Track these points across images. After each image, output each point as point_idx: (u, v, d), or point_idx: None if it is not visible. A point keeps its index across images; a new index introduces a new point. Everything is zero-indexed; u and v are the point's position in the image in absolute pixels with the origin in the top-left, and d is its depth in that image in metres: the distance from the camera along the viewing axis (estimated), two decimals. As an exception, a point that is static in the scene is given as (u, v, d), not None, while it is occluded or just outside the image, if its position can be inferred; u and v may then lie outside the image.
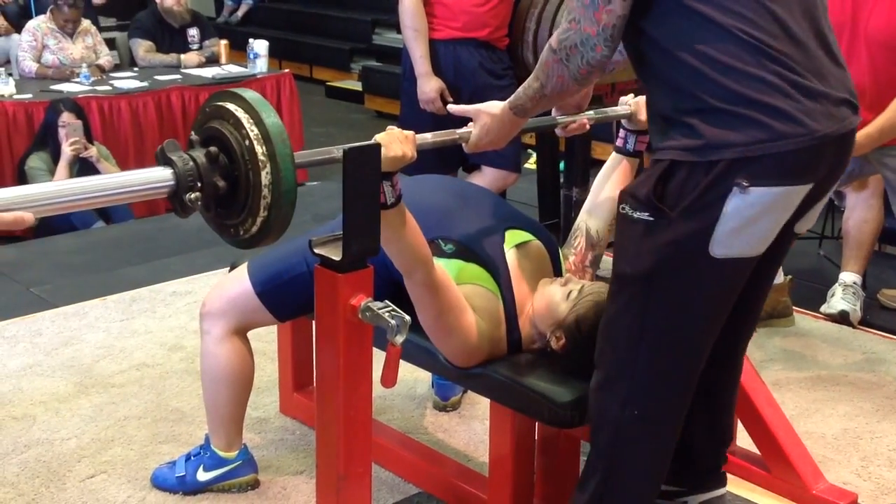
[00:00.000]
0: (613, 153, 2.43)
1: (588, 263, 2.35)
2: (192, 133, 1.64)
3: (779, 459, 2.53)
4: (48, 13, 5.98)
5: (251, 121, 1.57)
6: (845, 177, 3.34)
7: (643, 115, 2.31)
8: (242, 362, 2.42)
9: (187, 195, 1.56)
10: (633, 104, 2.36)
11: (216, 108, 1.61)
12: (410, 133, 1.88)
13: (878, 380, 3.19)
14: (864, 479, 2.68)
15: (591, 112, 2.42)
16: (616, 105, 2.43)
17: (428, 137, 1.99)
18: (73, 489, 2.55)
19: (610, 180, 2.40)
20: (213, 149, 1.58)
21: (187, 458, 2.53)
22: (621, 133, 2.41)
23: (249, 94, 1.60)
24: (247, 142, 1.56)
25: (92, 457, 2.69)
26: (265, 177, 1.56)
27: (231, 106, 1.59)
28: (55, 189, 1.52)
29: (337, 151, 1.74)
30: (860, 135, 3.02)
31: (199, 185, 1.57)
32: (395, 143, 1.81)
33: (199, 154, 1.58)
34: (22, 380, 3.12)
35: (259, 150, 1.55)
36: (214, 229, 1.69)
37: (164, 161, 1.57)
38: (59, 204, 1.51)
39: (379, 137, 1.81)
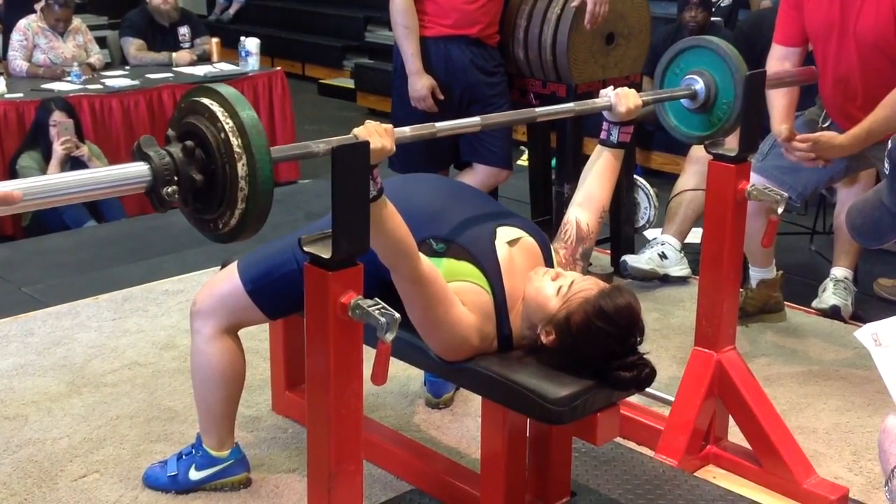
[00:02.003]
0: (598, 145, 2.44)
1: (578, 256, 2.35)
2: (169, 129, 1.65)
3: (770, 454, 2.54)
4: (39, 12, 5.97)
5: (226, 114, 1.58)
6: (840, 172, 3.35)
7: (622, 108, 2.34)
8: (233, 361, 2.42)
9: (164, 189, 1.57)
10: (612, 96, 2.37)
11: (192, 103, 1.62)
12: (388, 126, 1.89)
13: (869, 374, 3.20)
14: (855, 474, 2.68)
15: (572, 104, 2.44)
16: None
17: (406, 131, 1.99)
18: (66, 489, 2.54)
19: (596, 175, 2.41)
20: (188, 143, 1.59)
21: (179, 457, 2.53)
22: (604, 125, 2.42)
23: (224, 89, 1.61)
24: (222, 134, 1.57)
25: (84, 456, 2.68)
26: (241, 168, 1.56)
27: (206, 101, 1.60)
28: (30, 185, 1.52)
29: (315, 146, 1.74)
30: (847, 136, 3.03)
31: (175, 178, 1.58)
32: (374, 135, 1.82)
33: (176, 149, 1.59)
34: (13, 379, 3.11)
35: (235, 142, 1.56)
36: (194, 225, 1.70)
37: (141, 156, 1.58)
38: (34, 200, 1.51)
39: (357, 131, 1.82)
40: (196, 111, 1.60)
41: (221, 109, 1.57)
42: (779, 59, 3.18)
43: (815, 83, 3.22)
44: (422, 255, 2.03)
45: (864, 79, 3.07)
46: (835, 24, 3.07)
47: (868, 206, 2.37)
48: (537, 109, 2.35)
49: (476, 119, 2.19)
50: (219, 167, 1.58)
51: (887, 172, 2.23)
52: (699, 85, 2.54)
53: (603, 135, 2.42)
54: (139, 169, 1.57)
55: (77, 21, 6.15)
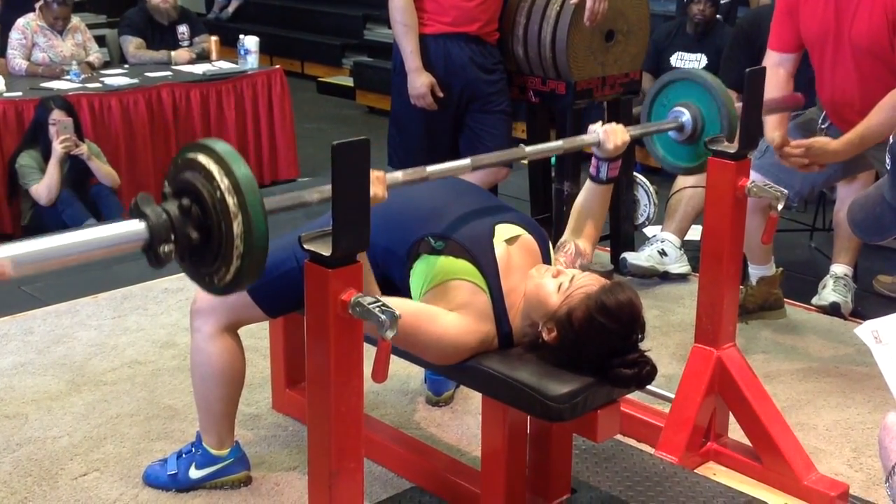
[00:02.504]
0: (588, 182, 2.46)
1: (577, 268, 2.36)
2: (165, 184, 1.67)
3: (771, 451, 2.54)
4: (37, 10, 5.96)
5: (222, 172, 1.59)
6: (838, 173, 3.35)
7: (610, 145, 2.36)
8: (233, 359, 2.42)
9: (161, 247, 1.58)
10: (601, 132, 2.37)
11: (187, 160, 1.64)
12: (381, 173, 1.91)
13: (869, 371, 3.20)
14: (855, 470, 2.69)
15: (561, 143, 2.47)
16: (600, 109, 2.47)
17: (398, 176, 2.02)
18: (66, 487, 2.54)
19: (586, 213, 2.45)
20: (185, 201, 1.61)
21: (179, 455, 2.53)
22: (594, 162, 2.44)
23: (220, 146, 1.63)
24: (218, 193, 1.59)
25: (84, 455, 2.69)
26: (237, 227, 1.58)
27: (202, 158, 1.62)
28: (26, 250, 1.51)
29: (309, 195, 1.77)
30: (840, 141, 3.03)
31: (172, 237, 1.59)
32: None
33: (173, 206, 1.61)
34: (13, 378, 3.11)
35: (230, 200, 1.58)
36: (190, 277, 1.72)
37: (138, 214, 1.59)
38: (30, 265, 1.51)
39: None
40: (192, 168, 1.62)
41: (217, 167, 1.59)
42: (773, 66, 3.17)
43: (811, 89, 3.22)
44: (389, 299, 2.02)
45: (861, 84, 3.07)
46: (830, 31, 3.06)
47: (869, 202, 2.37)
48: (527, 149, 2.37)
49: (467, 161, 2.20)
50: (215, 225, 1.60)
51: (888, 168, 2.23)
52: (686, 117, 2.59)
53: (592, 171, 2.44)
54: (136, 228, 1.59)
55: (76, 20, 6.13)
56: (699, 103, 2.57)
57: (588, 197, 2.46)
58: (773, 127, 3.13)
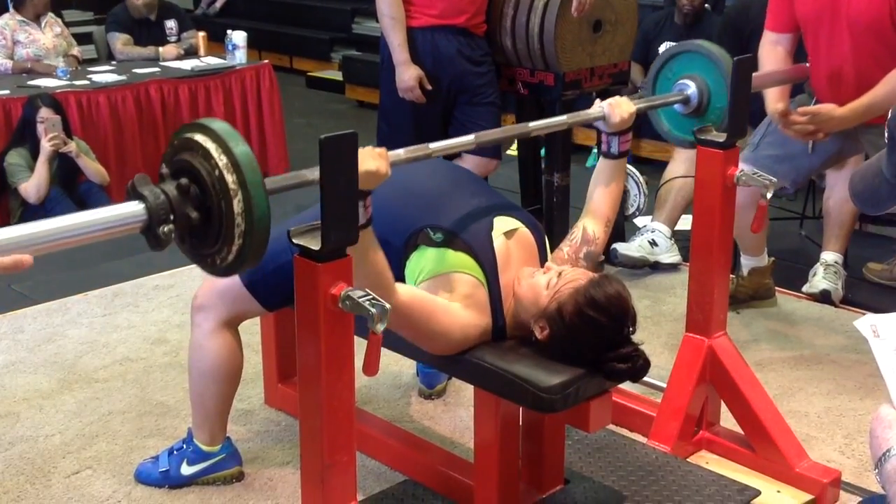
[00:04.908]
0: (601, 158, 2.43)
1: (581, 255, 2.35)
2: (163, 166, 1.65)
3: (763, 439, 2.55)
4: (11, 10, 5.96)
5: (220, 150, 1.57)
6: (832, 155, 3.34)
7: (616, 118, 2.34)
8: (231, 357, 2.41)
9: (160, 228, 1.56)
10: (605, 106, 2.36)
11: (184, 139, 1.62)
12: (382, 149, 1.88)
13: (859, 358, 3.21)
14: (847, 457, 2.69)
15: (565, 117, 2.44)
16: (592, 97, 2.45)
17: (401, 153, 2.00)
18: (59, 485, 2.54)
19: (600, 189, 2.41)
20: (183, 180, 1.59)
21: (170, 452, 2.53)
22: (603, 137, 2.41)
23: (217, 125, 1.61)
24: (216, 171, 1.57)
25: (77, 452, 2.68)
26: (237, 205, 1.57)
27: (199, 137, 1.60)
28: (22, 234, 1.50)
29: (310, 174, 1.74)
30: (847, 108, 3.02)
31: (171, 217, 1.57)
32: (368, 159, 1.80)
33: (170, 187, 1.59)
34: (4, 377, 3.10)
35: (229, 178, 1.56)
36: (192, 260, 1.70)
37: (135, 196, 1.57)
38: (27, 248, 1.50)
39: None
40: (189, 148, 1.60)
41: (215, 146, 1.57)
42: (771, 44, 3.18)
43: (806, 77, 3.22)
44: (398, 285, 2.01)
45: (857, 65, 3.07)
46: (826, 9, 3.06)
47: (869, 173, 2.38)
48: (531, 124, 2.35)
49: (470, 137, 2.18)
50: (214, 204, 1.58)
51: (887, 143, 2.24)
52: (691, 90, 2.56)
53: (603, 147, 2.41)
54: (134, 209, 1.57)
55: (49, 15, 6.14)
56: (705, 75, 2.53)
57: (602, 173, 2.42)
58: (775, 99, 3.12)
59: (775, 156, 3.24)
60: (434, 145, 2.08)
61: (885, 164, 2.26)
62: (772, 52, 3.15)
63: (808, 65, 3.19)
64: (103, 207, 1.60)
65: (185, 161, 1.60)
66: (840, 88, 3.13)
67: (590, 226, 2.38)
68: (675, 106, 2.60)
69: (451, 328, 2.09)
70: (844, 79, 3.11)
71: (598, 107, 2.37)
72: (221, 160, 1.56)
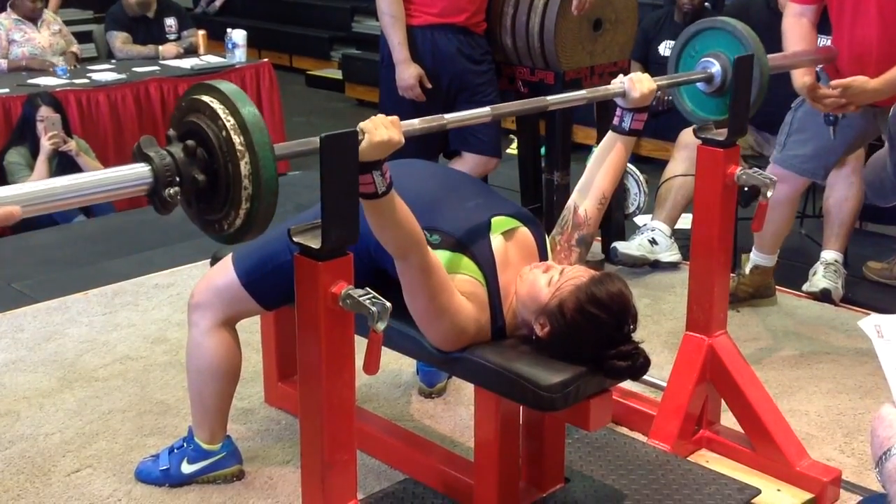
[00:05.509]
0: (610, 132, 2.40)
1: (574, 243, 2.33)
2: (170, 129, 1.63)
3: (763, 437, 2.55)
4: (7, 10, 5.95)
5: (227, 111, 1.55)
6: (857, 138, 3.27)
7: (636, 93, 2.30)
8: (230, 355, 2.41)
9: (166, 190, 1.53)
10: (626, 81, 2.33)
11: (192, 101, 1.60)
12: (395, 118, 1.86)
13: (859, 356, 3.21)
14: (847, 455, 2.69)
15: (584, 91, 2.40)
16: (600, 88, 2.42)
17: (415, 123, 1.97)
18: (59, 484, 2.54)
19: (600, 161, 2.36)
20: (189, 142, 1.56)
21: (170, 450, 2.52)
22: (617, 111, 2.37)
23: (225, 86, 1.58)
24: (224, 133, 1.54)
25: (77, 451, 2.68)
26: (244, 167, 1.54)
27: (206, 98, 1.57)
28: (29, 191, 1.49)
29: (318, 141, 1.72)
30: (880, 80, 2.94)
31: (177, 179, 1.54)
32: (380, 127, 1.79)
33: (177, 148, 1.56)
34: (4, 375, 3.10)
35: (237, 140, 1.54)
36: (199, 226, 1.67)
37: (141, 157, 1.55)
38: (33, 206, 1.48)
39: (363, 124, 1.80)
40: (196, 109, 1.57)
41: (222, 107, 1.55)
42: (795, 16, 3.14)
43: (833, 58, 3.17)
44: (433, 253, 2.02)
45: (882, 34, 2.99)
46: None
47: (878, 165, 2.38)
48: (549, 98, 2.30)
49: (486, 109, 2.16)
50: (221, 166, 1.55)
51: (887, 141, 2.23)
52: (715, 68, 2.50)
53: (615, 121, 2.37)
54: (140, 170, 1.54)
55: (47, 14, 6.13)
56: (729, 53, 2.48)
57: (606, 148, 2.37)
58: (801, 73, 3.07)
59: (803, 155, 3.22)
60: (449, 116, 2.06)
61: (889, 162, 2.27)
62: (796, 25, 3.11)
63: (833, 47, 3.14)
64: (109, 168, 1.58)
65: (192, 122, 1.57)
66: (862, 58, 3.08)
67: (581, 203, 2.34)
68: (698, 84, 2.55)
69: (460, 312, 2.09)
70: (867, 48, 3.05)
71: (619, 81, 2.33)
72: (229, 121, 1.54)
